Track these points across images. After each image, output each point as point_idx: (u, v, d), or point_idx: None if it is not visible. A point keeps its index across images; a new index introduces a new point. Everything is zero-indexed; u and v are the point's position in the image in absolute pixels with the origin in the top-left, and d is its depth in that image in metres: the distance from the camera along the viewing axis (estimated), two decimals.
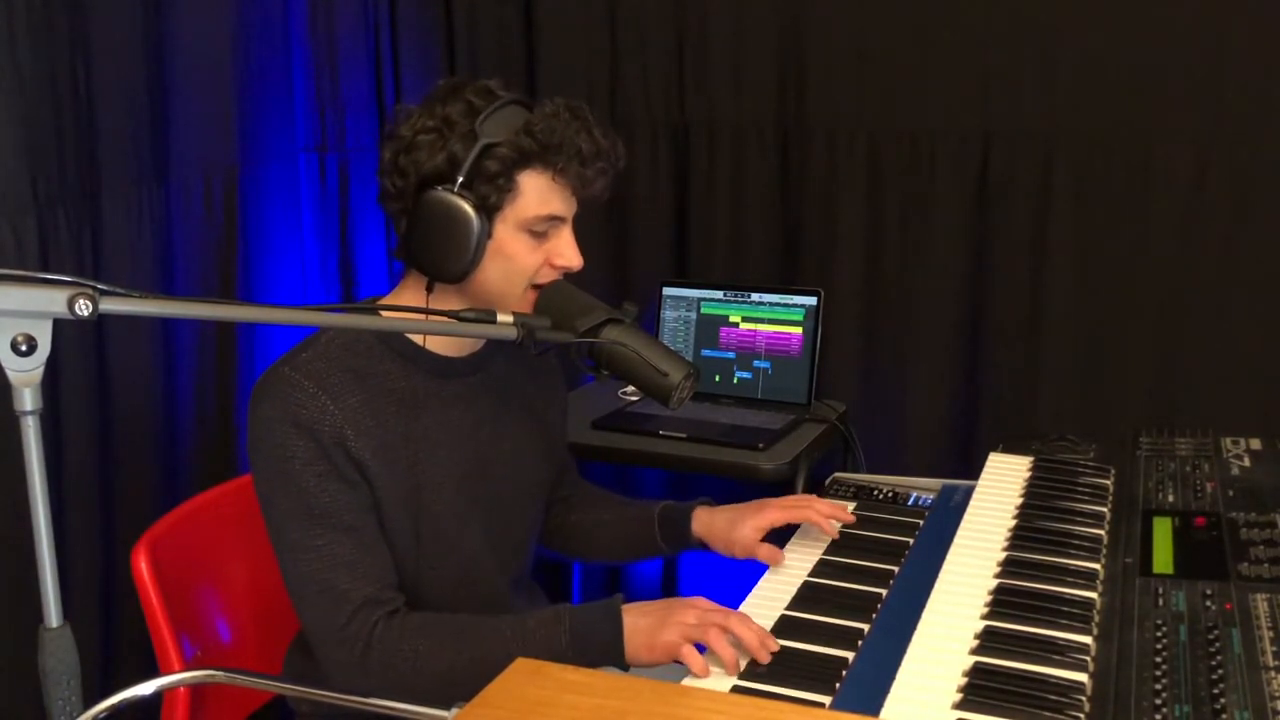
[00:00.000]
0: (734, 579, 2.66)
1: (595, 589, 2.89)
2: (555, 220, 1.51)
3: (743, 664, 1.39)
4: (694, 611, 1.43)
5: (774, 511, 1.73)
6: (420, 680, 1.42)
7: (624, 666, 1.48)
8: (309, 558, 1.45)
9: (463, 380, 1.59)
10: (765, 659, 1.39)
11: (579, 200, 1.54)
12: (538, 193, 1.48)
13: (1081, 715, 1.21)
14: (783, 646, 1.42)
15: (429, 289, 1.51)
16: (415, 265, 1.52)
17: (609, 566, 2.88)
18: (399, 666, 1.43)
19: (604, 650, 1.44)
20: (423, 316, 1.38)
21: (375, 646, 1.43)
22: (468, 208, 1.44)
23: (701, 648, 1.40)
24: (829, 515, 1.73)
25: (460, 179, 1.44)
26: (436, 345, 1.56)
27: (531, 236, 1.50)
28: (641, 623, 1.44)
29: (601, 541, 1.83)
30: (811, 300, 2.51)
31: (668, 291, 2.64)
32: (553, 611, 1.48)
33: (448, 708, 1.32)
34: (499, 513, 1.63)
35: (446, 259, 1.46)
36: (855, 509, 1.86)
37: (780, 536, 1.74)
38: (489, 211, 1.46)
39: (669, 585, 2.87)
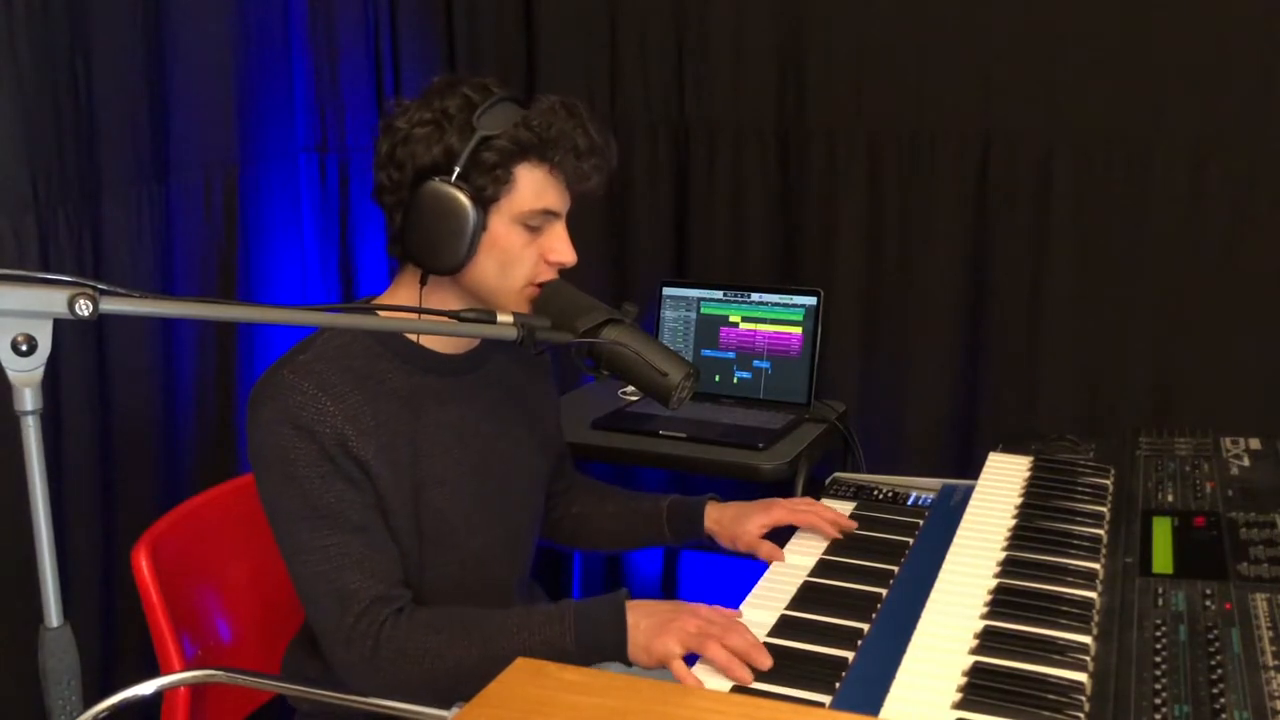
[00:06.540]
0: (733, 578, 2.66)
1: (595, 586, 2.89)
2: (549, 215, 1.51)
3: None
4: (696, 620, 1.41)
5: (780, 511, 1.75)
6: (429, 677, 1.42)
7: (627, 663, 1.48)
8: (316, 559, 1.44)
9: (461, 378, 1.59)
10: (750, 674, 1.36)
11: (573, 196, 1.54)
12: (533, 186, 1.49)
13: (1081, 715, 1.21)
14: (783, 646, 1.41)
15: (423, 282, 1.51)
16: (410, 259, 1.52)
17: (609, 564, 2.88)
18: (408, 664, 1.43)
19: (608, 647, 1.43)
20: (419, 316, 1.38)
21: (384, 645, 1.43)
22: (464, 198, 1.44)
23: (693, 658, 1.40)
24: (833, 521, 1.75)
25: (457, 170, 1.45)
26: (433, 343, 1.56)
27: (526, 230, 1.50)
28: (644, 623, 1.43)
29: (606, 532, 1.84)
30: (811, 300, 2.51)
31: (668, 291, 2.64)
32: (558, 607, 1.47)
33: (450, 706, 1.32)
34: (503, 509, 1.64)
35: (441, 251, 1.46)
36: (855, 509, 1.86)
37: (782, 536, 1.75)
38: (484, 203, 1.47)
39: (669, 583, 2.87)
